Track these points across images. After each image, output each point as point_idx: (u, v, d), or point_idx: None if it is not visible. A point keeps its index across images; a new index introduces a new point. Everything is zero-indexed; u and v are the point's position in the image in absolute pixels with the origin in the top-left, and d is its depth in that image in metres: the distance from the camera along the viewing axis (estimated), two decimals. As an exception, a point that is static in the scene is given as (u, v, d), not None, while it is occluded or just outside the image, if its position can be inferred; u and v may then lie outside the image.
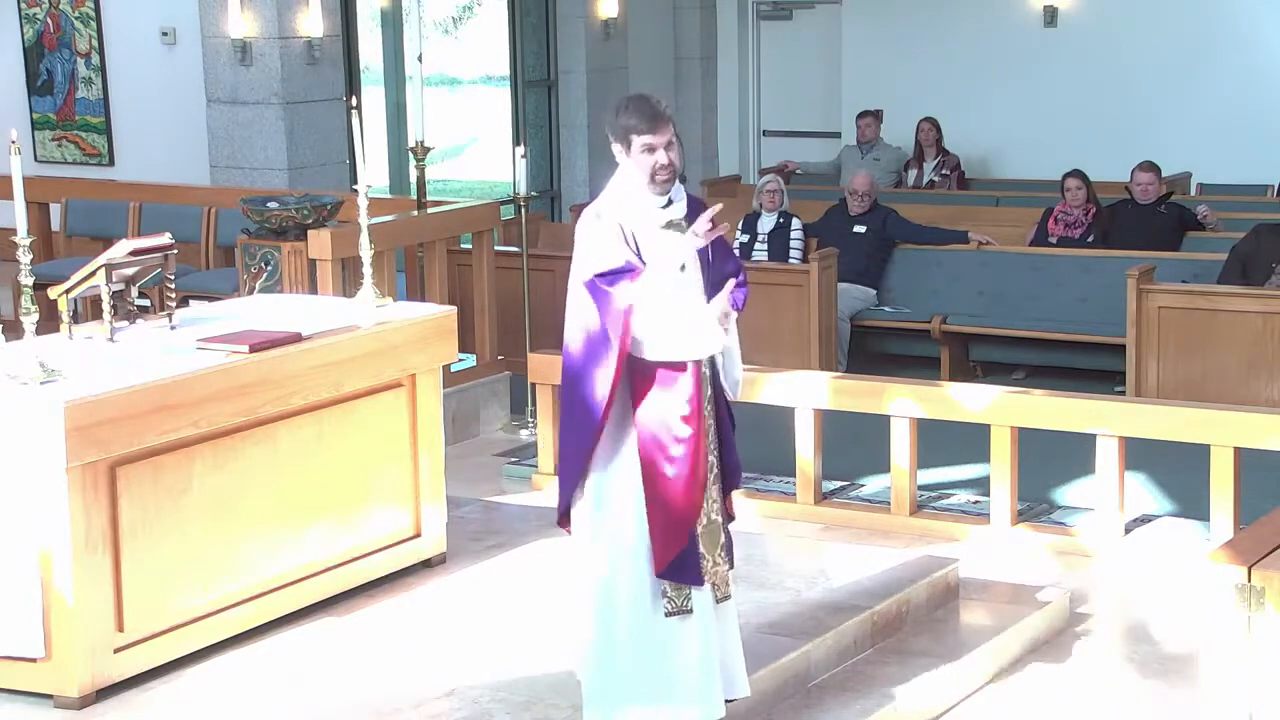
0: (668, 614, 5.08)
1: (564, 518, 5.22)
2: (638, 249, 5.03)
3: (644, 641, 5.09)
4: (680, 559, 5.07)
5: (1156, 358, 9.87)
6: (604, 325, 4.96)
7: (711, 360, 5.17)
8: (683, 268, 5.04)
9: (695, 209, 5.17)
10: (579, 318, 5.06)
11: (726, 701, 5.26)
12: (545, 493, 8.46)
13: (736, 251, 11.38)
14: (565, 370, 5.13)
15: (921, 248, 11.70)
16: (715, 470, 5.19)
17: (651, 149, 5.01)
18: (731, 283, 5.07)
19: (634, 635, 5.09)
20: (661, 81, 16.44)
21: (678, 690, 5.11)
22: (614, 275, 4.96)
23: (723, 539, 5.21)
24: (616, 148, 5.10)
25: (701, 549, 5.12)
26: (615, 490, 5.07)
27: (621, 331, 4.94)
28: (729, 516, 5.29)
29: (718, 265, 5.21)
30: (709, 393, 5.17)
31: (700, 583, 5.11)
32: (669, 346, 4.99)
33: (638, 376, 5.02)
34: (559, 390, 5.23)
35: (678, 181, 5.16)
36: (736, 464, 5.29)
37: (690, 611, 5.10)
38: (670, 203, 5.12)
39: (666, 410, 5.00)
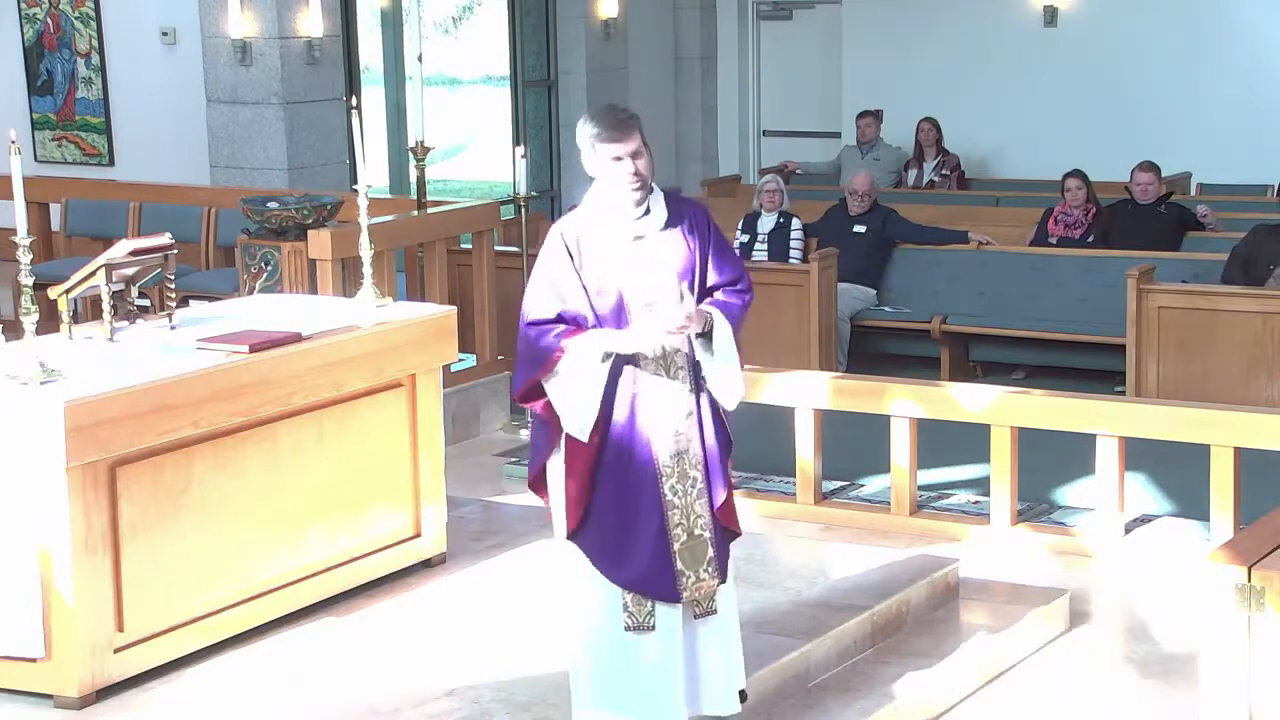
0: (627, 629, 5.05)
1: (534, 484, 5.28)
2: (580, 263, 5.00)
3: (605, 651, 5.08)
4: (653, 574, 5.04)
5: (1156, 358, 9.87)
6: (525, 359, 5.04)
7: (698, 373, 5.10)
8: (604, 358, 5.02)
9: (680, 211, 5.12)
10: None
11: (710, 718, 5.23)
12: (545, 493, 8.46)
13: (736, 252, 11.50)
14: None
15: (921, 248, 11.70)
16: (700, 485, 5.11)
17: (618, 158, 4.98)
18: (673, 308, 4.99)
19: (597, 644, 5.09)
20: (661, 81, 16.46)
21: (633, 705, 5.07)
22: (541, 328, 4.99)
23: (710, 554, 5.12)
24: (586, 159, 5.06)
25: (680, 565, 5.07)
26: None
27: (534, 377, 5.01)
28: (731, 532, 5.21)
29: (714, 274, 5.14)
30: (690, 408, 5.10)
31: (676, 599, 5.06)
32: (561, 414, 5.03)
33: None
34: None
35: (656, 189, 5.12)
36: (723, 480, 5.16)
37: (652, 629, 5.06)
38: (648, 211, 5.07)
39: (566, 448, 5.06)
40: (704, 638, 5.17)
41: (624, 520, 5.05)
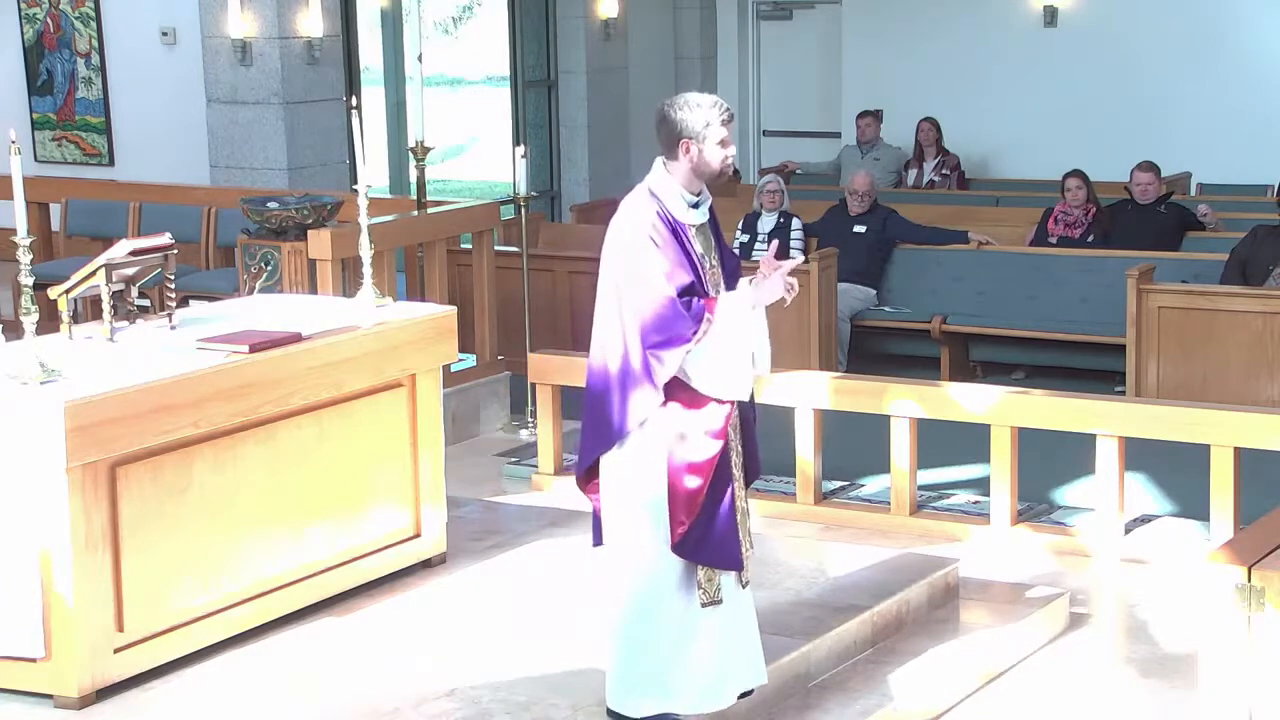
0: (703, 604, 5.16)
1: (583, 479, 5.30)
2: (690, 245, 5.13)
3: (680, 633, 5.16)
4: (727, 547, 5.16)
5: (1156, 358, 9.87)
6: (669, 336, 5.02)
7: None
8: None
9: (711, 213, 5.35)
10: (612, 328, 5.12)
11: (745, 694, 5.37)
12: (545, 493, 8.47)
13: (736, 251, 11.57)
14: (594, 372, 5.18)
15: (921, 248, 11.70)
16: (742, 456, 5.28)
17: (726, 143, 5.20)
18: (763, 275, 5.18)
19: (674, 627, 5.16)
20: (661, 81, 16.45)
21: (694, 681, 5.18)
22: (685, 297, 5.05)
23: (749, 523, 5.33)
24: (686, 144, 5.16)
25: (741, 535, 5.23)
26: (656, 487, 5.12)
27: (685, 352, 5.04)
28: None
29: (725, 259, 5.35)
30: None
31: (742, 567, 5.23)
32: (711, 386, 5.09)
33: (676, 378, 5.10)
34: (586, 376, 5.28)
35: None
36: (757, 455, 5.39)
37: (721, 602, 5.20)
38: (696, 205, 5.22)
39: (697, 420, 5.10)
40: (749, 607, 5.35)
41: (710, 500, 5.14)
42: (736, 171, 16.19)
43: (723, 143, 5.19)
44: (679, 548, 5.11)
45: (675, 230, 5.11)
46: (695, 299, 5.06)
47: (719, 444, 5.11)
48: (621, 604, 5.22)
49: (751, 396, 5.36)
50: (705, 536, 5.13)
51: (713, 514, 5.15)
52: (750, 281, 5.20)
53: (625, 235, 5.12)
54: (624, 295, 5.08)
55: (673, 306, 5.01)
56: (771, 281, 5.16)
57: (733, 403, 5.16)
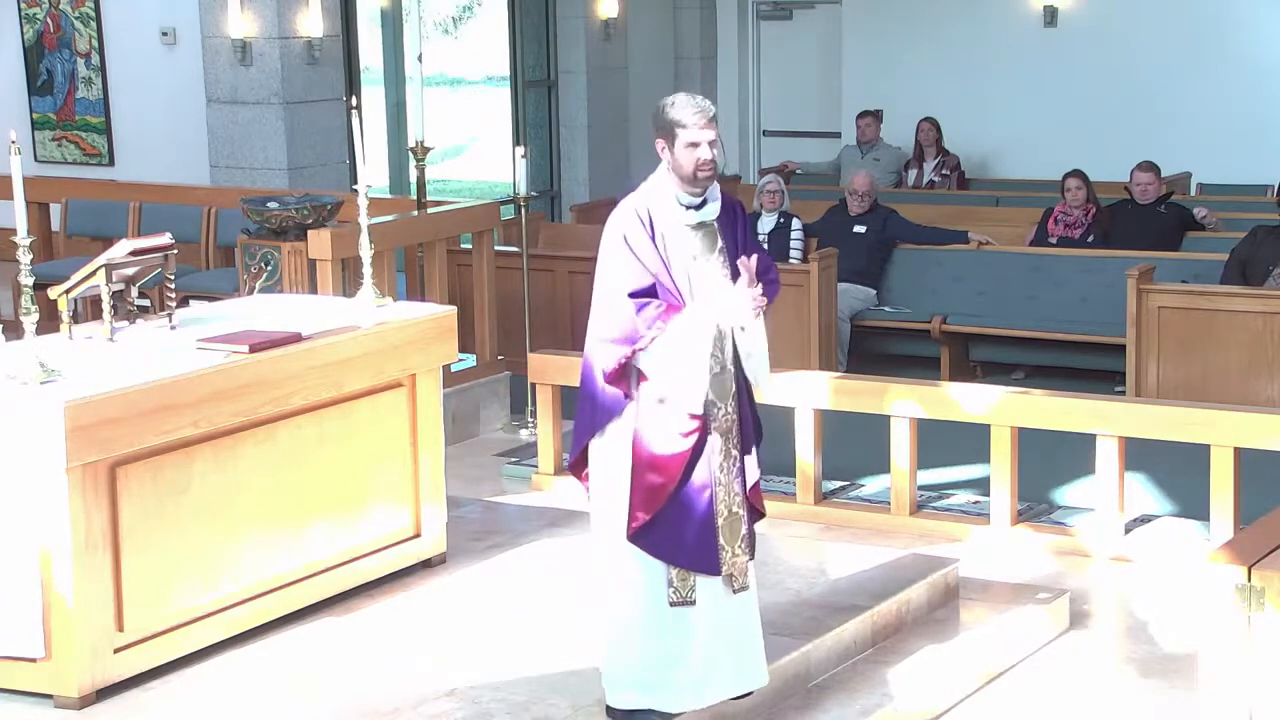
0: (672, 604, 5.16)
1: (574, 467, 5.33)
2: (664, 246, 5.12)
3: (650, 628, 5.17)
4: (699, 549, 5.16)
5: (1156, 358, 9.87)
6: (621, 334, 5.06)
7: (736, 356, 5.24)
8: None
9: (729, 209, 5.29)
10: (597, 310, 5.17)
11: (743, 696, 5.38)
12: (545, 493, 8.47)
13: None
14: (584, 364, 5.23)
15: (921, 248, 11.70)
16: (737, 465, 5.26)
17: (695, 145, 5.11)
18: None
19: (642, 622, 5.17)
20: (661, 81, 16.45)
21: (673, 679, 5.19)
22: (642, 298, 5.05)
23: (744, 531, 5.29)
24: (660, 143, 5.17)
25: (721, 541, 5.21)
26: (624, 478, 5.15)
27: (628, 352, 5.06)
28: (756, 512, 5.38)
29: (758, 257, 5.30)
30: (733, 388, 5.24)
31: (717, 572, 5.20)
32: (662, 391, 5.10)
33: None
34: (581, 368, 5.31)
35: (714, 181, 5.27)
36: (756, 461, 5.36)
37: (693, 603, 5.18)
38: (705, 203, 5.21)
39: (669, 418, 5.12)
40: (741, 612, 5.33)
41: (680, 500, 5.15)
42: (737, 175, 16.23)
43: (693, 144, 5.11)
44: (634, 538, 5.12)
45: (653, 230, 5.10)
46: (655, 303, 5.04)
47: (688, 444, 5.10)
48: (602, 594, 5.28)
49: (753, 406, 5.34)
50: (674, 535, 5.14)
51: (684, 514, 5.14)
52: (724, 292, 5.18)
53: (605, 233, 5.17)
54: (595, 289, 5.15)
55: (625, 307, 5.04)
56: (738, 303, 5.09)
57: (691, 431, 5.12)
